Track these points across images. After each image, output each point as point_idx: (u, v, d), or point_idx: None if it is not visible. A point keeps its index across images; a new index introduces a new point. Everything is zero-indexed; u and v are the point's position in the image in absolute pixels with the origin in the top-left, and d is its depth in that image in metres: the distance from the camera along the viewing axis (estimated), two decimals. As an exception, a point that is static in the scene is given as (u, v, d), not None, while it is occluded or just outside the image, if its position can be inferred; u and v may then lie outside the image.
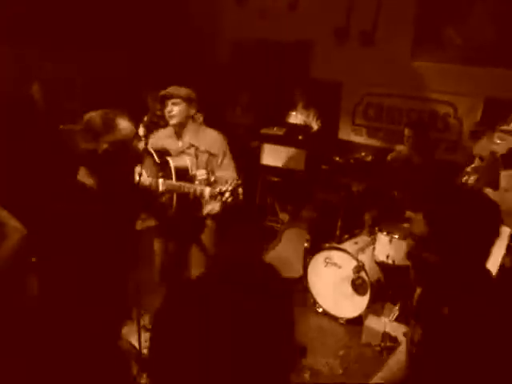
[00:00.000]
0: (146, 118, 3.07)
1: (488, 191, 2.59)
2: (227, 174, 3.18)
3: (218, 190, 2.67)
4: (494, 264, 2.15)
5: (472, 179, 2.80)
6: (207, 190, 2.72)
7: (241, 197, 2.66)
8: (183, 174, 3.05)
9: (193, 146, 3.23)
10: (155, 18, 6.61)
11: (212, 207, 3.08)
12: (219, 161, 3.24)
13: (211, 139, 3.27)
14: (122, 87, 6.06)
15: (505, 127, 2.34)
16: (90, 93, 5.91)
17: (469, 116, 5.26)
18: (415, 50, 5.67)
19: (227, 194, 2.64)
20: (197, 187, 2.82)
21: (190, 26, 7.21)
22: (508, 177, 2.33)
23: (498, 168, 2.38)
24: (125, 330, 3.59)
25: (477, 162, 2.47)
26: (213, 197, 2.70)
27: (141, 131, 3.04)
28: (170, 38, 6.85)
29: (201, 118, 3.98)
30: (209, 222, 3.24)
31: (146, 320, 3.71)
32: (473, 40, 5.22)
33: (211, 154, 3.22)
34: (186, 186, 2.89)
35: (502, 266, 2.14)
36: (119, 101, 5.84)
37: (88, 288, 2.00)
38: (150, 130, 3.15)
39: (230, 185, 2.67)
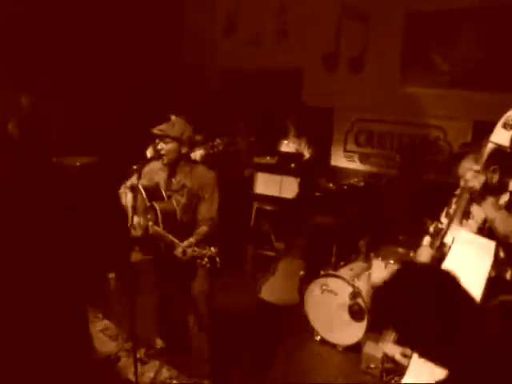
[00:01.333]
0: (157, 141, 3.09)
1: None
2: (202, 214, 3.18)
3: (197, 253, 2.69)
4: (482, 275, 2.18)
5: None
6: (189, 250, 2.74)
7: (218, 265, 2.67)
8: (170, 219, 3.05)
9: (185, 186, 3.20)
10: (148, 48, 6.75)
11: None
12: (203, 197, 3.20)
13: (202, 179, 3.22)
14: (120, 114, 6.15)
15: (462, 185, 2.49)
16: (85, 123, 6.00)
17: (458, 139, 5.31)
18: (404, 75, 5.79)
19: (206, 259, 2.66)
20: (180, 246, 2.82)
21: (182, 58, 7.38)
22: (490, 206, 2.45)
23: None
24: (121, 364, 3.57)
25: (462, 183, 2.56)
26: (193, 257, 2.71)
27: (148, 153, 3.05)
28: (165, 71, 6.98)
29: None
30: (199, 270, 3.16)
31: (141, 353, 3.67)
32: (460, 65, 5.33)
33: (200, 195, 3.20)
34: (170, 238, 2.91)
35: (489, 277, 2.19)
36: (119, 126, 5.94)
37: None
38: (156, 155, 3.15)
39: (209, 250, 2.69)
